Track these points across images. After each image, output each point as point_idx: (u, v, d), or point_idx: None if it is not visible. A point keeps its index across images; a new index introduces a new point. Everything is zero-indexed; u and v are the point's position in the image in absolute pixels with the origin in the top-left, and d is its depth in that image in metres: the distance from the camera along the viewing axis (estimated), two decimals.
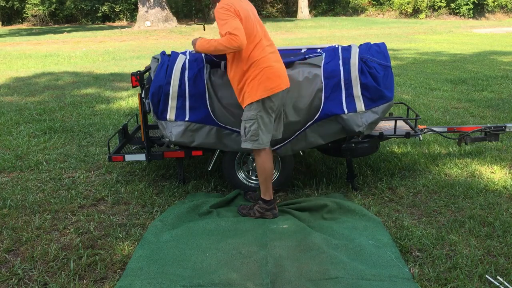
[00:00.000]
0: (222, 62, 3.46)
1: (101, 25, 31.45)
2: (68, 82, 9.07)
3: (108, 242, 3.04)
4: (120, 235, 3.12)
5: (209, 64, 3.51)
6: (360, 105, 3.43)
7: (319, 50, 3.79)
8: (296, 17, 32.52)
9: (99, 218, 3.38)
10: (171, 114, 3.47)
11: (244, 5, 3.03)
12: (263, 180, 3.25)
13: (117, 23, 33.03)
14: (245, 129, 3.15)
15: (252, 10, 3.13)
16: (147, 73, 3.79)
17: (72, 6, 33.10)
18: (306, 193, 3.80)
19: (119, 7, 33.83)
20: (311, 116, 3.47)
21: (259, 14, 3.17)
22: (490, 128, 4.14)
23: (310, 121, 3.48)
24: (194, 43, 3.15)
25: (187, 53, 3.73)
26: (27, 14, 33.72)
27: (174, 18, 27.13)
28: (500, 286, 2.52)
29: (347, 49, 3.61)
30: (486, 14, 30.09)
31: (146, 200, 3.66)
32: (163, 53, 3.70)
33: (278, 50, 3.48)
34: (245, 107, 3.15)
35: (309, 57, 3.62)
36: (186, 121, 3.46)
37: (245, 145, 3.17)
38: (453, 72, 9.52)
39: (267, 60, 3.07)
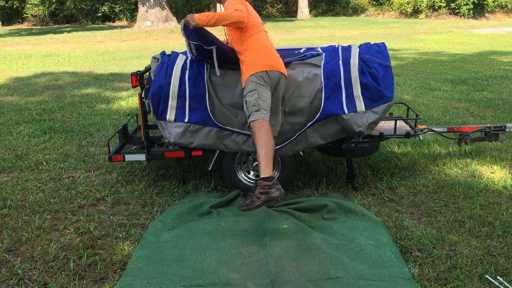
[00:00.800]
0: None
1: (101, 25, 31.45)
2: (68, 82, 9.07)
3: (108, 242, 3.04)
4: (120, 235, 3.12)
5: (209, 64, 3.52)
6: (360, 105, 3.43)
7: (318, 49, 3.80)
8: (296, 17, 32.52)
9: (99, 218, 3.38)
10: (170, 115, 3.47)
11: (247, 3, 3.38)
12: (263, 154, 3.10)
13: (117, 23, 33.03)
14: (246, 103, 3.21)
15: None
16: (147, 73, 3.79)
17: (72, 6, 33.11)
18: (306, 193, 3.80)
19: (119, 7, 33.83)
20: (311, 116, 3.47)
21: (259, 14, 3.23)
22: (490, 128, 4.14)
23: (311, 122, 3.48)
24: (191, 17, 3.11)
25: (188, 53, 3.73)
26: (27, 14, 33.73)
27: (174, 18, 27.13)
28: (500, 286, 2.52)
29: (347, 49, 3.61)
30: (486, 14, 30.10)
31: (146, 200, 3.66)
32: (163, 53, 3.70)
33: (277, 50, 3.57)
34: (244, 82, 3.26)
35: (304, 56, 3.64)
36: (186, 122, 3.46)
37: (251, 119, 3.17)
38: (453, 72, 9.53)
39: (267, 44, 3.33)
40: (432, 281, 2.58)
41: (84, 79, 9.45)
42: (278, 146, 3.54)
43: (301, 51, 3.91)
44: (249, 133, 3.44)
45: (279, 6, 35.13)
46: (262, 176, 3.09)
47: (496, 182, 3.89)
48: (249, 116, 3.18)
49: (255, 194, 3.06)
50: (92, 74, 10.07)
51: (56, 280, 2.64)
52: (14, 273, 2.70)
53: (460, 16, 29.80)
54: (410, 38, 17.60)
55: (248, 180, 3.78)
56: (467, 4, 29.26)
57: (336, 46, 3.75)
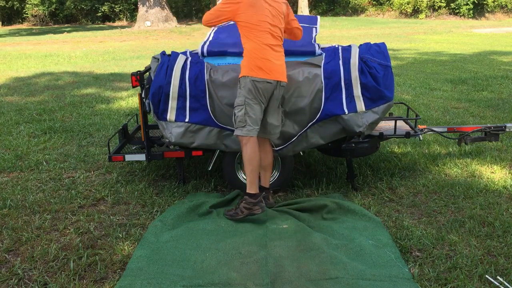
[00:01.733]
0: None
1: (101, 25, 31.45)
2: (68, 82, 9.07)
3: (108, 242, 3.04)
4: (120, 235, 3.12)
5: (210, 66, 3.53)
6: (360, 105, 3.43)
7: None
8: None
9: (99, 218, 3.38)
10: (171, 115, 3.47)
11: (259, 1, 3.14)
12: (249, 171, 3.21)
13: (117, 23, 33.02)
14: (234, 115, 3.22)
15: (271, 6, 3.19)
16: (147, 73, 3.79)
17: (72, 6, 33.10)
18: (306, 193, 3.80)
19: (119, 7, 33.82)
20: (311, 116, 3.47)
21: None
22: (490, 128, 4.14)
23: (311, 122, 3.48)
24: None
25: (188, 53, 3.73)
26: (27, 14, 33.74)
27: (174, 18, 27.12)
28: (500, 286, 2.52)
29: (347, 49, 3.61)
30: (486, 14, 30.09)
31: (146, 200, 3.66)
32: (163, 53, 3.70)
33: None
34: (237, 92, 3.24)
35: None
36: (186, 122, 3.46)
37: (236, 132, 3.21)
38: (453, 72, 9.53)
39: (262, 54, 3.15)
40: (432, 281, 2.58)
41: (84, 79, 9.45)
42: (279, 147, 3.54)
43: None
44: None
45: None
46: (248, 191, 3.23)
47: (496, 182, 3.89)
48: (235, 128, 3.23)
49: (239, 207, 3.25)
50: (92, 74, 10.07)
51: (56, 280, 2.64)
52: (14, 273, 2.70)
53: (460, 16, 29.79)
54: (410, 38, 17.60)
55: None
56: (467, 4, 29.24)
57: (336, 46, 3.75)
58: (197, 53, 3.90)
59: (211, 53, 3.70)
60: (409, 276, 2.60)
